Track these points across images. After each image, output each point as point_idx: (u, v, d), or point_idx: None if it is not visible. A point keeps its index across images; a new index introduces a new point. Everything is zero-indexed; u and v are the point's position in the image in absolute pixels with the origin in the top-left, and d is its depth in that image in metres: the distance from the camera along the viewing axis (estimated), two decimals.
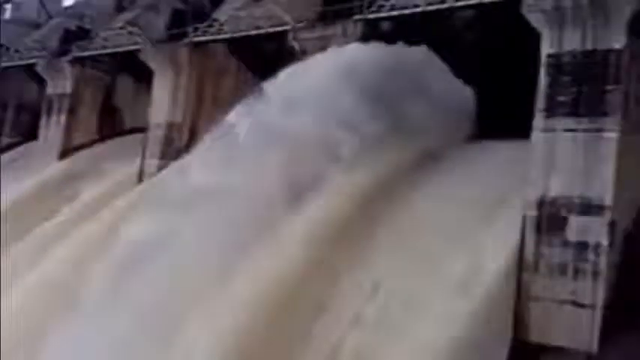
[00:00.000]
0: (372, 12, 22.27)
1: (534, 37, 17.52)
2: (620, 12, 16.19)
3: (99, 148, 32.52)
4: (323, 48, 22.18)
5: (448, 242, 17.04)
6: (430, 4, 20.97)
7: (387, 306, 16.60)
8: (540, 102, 16.96)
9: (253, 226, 17.36)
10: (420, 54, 20.49)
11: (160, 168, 27.43)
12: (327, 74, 19.84)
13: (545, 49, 17.15)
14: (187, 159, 22.06)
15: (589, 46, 16.50)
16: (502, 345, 15.79)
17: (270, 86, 19.87)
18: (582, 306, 15.56)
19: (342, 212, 18.08)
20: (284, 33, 24.51)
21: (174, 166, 25.67)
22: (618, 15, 16.20)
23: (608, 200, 15.61)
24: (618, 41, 16.15)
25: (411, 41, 20.89)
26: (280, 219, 17.62)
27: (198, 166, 19.34)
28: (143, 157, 28.25)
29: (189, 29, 27.99)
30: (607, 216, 15.59)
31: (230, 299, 16.47)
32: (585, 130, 16.19)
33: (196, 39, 27.68)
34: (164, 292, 16.57)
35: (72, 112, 32.79)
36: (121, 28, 31.46)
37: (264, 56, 26.86)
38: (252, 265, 16.92)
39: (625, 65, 16.07)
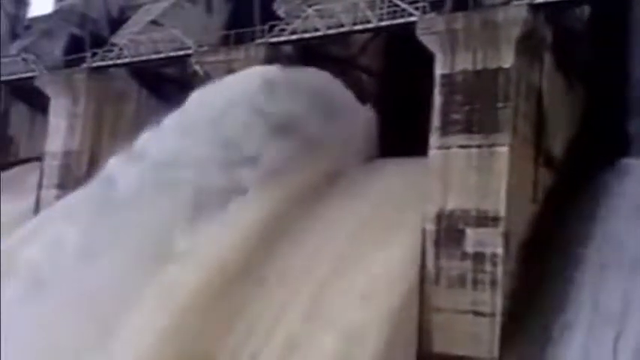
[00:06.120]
0: (274, 36, 22.48)
1: (430, 59, 18.16)
2: (509, 33, 17.05)
3: None
4: (227, 71, 22.16)
5: (349, 262, 17.41)
6: (330, 27, 21.34)
7: (293, 322, 16.74)
8: (435, 121, 17.57)
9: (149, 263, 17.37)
10: (322, 77, 20.84)
11: (59, 197, 26.42)
12: (231, 100, 19.93)
13: (439, 69, 17.82)
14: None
15: (479, 66, 17.27)
16: (407, 356, 16.10)
17: (173, 115, 19.88)
18: (482, 315, 16.05)
19: (242, 246, 18.24)
20: (186, 57, 24.39)
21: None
22: (506, 36, 17.07)
23: (502, 212, 16.27)
24: (507, 61, 16.99)
25: (313, 64, 21.27)
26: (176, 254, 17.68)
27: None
28: (40, 187, 27.20)
29: (87, 54, 27.37)
30: (501, 227, 16.23)
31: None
32: (478, 146, 16.88)
33: (94, 64, 27.06)
34: None
35: None
36: (15, 55, 30.45)
37: (166, 80, 26.61)
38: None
39: (513, 83, 16.90)
